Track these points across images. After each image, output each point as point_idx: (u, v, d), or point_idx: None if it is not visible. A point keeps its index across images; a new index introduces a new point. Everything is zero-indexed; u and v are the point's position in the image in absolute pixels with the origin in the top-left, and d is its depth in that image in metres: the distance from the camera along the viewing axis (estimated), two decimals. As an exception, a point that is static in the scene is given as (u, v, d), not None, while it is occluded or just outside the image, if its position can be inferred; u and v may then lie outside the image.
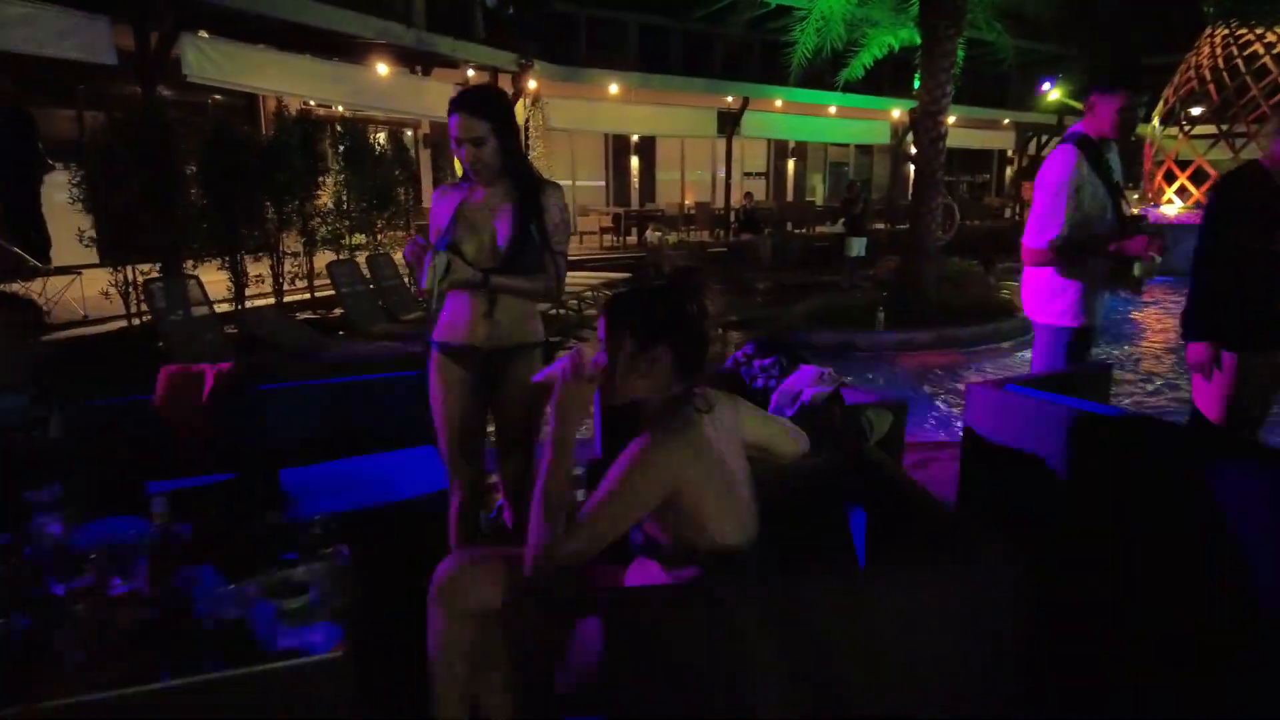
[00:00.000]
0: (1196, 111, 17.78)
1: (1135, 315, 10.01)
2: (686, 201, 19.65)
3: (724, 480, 1.67)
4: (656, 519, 1.68)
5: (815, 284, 13.78)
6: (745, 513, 1.72)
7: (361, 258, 8.25)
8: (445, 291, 2.34)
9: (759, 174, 23.62)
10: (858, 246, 12.99)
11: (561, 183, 3.09)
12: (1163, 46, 18.85)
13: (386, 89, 11.86)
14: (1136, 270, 3.07)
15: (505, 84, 12.74)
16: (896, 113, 21.23)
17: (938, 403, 6.47)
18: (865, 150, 25.46)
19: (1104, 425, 2.39)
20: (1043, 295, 3.28)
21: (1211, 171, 17.22)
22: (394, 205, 9.64)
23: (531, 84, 14.57)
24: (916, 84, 9.24)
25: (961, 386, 6.93)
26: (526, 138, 14.36)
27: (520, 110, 14.95)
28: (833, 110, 20.36)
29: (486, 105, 2.35)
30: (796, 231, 18.78)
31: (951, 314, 8.83)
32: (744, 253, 15.01)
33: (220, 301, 8.09)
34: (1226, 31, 16.76)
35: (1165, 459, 2.21)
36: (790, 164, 23.83)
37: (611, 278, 12.25)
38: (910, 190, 9.25)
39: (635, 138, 19.98)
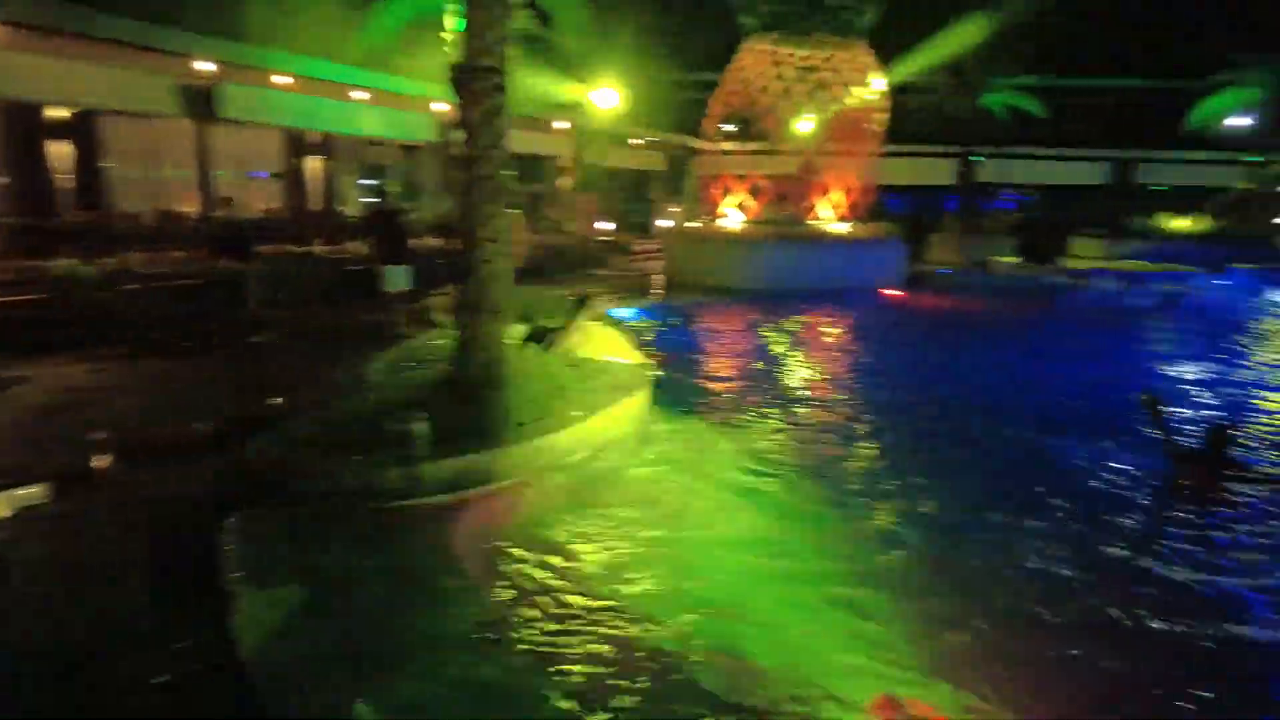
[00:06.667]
0: (737, 126, 17.46)
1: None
2: (181, 209, 13.51)
3: None
4: None
5: (344, 333, 9.39)
6: None
7: None
8: None
9: (280, 175, 18.16)
10: (395, 278, 8.99)
11: None
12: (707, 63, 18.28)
13: None
14: None
15: None
16: (444, 105, 17.61)
17: None
18: (410, 150, 21.38)
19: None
20: None
21: (767, 185, 16.93)
22: None
23: None
24: (460, 26, 5.46)
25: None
26: None
27: None
28: (359, 95, 15.96)
29: None
30: (324, 252, 13.98)
31: (541, 401, 5.32)
32: (232, 286, 9.94)
33: None
34: (768, 45, 16.44)
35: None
36: (316, 163, 18.71)
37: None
38: (460, 202, 5.38)
39: (61, 113, 13.22)
